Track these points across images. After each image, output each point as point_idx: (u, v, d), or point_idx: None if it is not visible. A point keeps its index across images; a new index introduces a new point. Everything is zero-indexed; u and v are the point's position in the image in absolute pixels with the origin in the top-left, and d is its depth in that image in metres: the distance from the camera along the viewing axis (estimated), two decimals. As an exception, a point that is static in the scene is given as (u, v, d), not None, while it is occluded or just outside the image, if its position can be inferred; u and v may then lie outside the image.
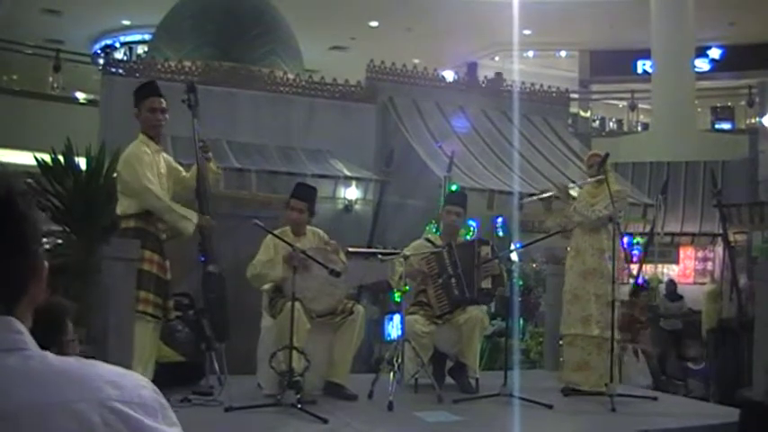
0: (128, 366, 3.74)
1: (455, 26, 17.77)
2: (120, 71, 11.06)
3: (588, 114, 19.36)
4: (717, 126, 17.79)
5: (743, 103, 17.61)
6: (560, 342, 6.06)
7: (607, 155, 5.69)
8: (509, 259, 6.14)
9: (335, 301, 5.08)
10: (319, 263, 4.80)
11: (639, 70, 19.60)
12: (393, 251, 5.85)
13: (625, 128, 18.46)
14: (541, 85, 13.47)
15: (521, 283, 8.45)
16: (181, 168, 4.91)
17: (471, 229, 9.30)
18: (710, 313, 10.38)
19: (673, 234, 13.05)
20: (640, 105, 18.13)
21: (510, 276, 6.05)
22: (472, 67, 20.18)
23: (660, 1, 15.72)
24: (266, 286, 5.23)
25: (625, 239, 7.79)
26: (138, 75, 10.35)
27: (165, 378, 4.39)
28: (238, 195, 8.73)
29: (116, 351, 4.02)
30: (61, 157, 6.10)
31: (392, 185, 10.47)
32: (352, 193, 11.01)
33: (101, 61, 14.52)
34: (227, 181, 9.30)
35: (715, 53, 19.67)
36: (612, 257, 5.43)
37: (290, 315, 4.59)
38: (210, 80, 10.69)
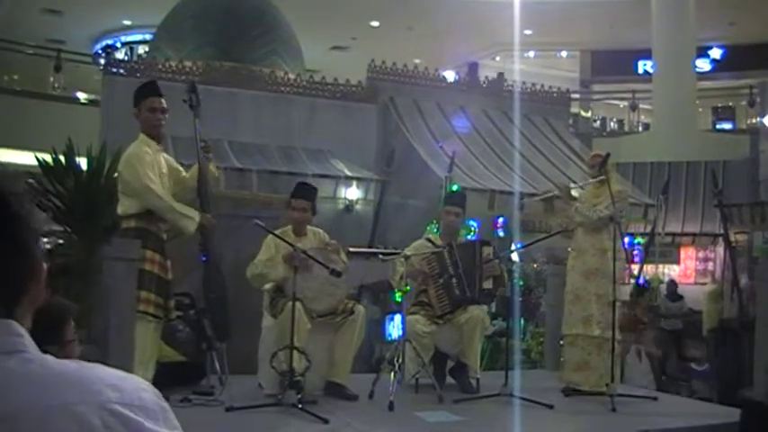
0: (129, 366, 3.76)
1: (456, 26, 17.77)
2: (121, 71, 11.07)
3: (589, 114, 19.36)
4: (718, 126, 17.78)
5: (744, 103, 17.60)
6: (561, 342, 6.06)
7: (608, 155, 5.69)
8: (510, 259, 6.14)
9: (336, 301, 5.08)
10: (320, 263, 4.81)
11: (640, 70, 19.59)
12: (394, 251, 5.85)
13: (626, 128, 18.44)
14: (542, 86, 13.47)
15: (521, 283, 8.44)
16: (181, 168, 4.90)
17: (472, 228, 9.30)
18: (711, 313, 10.38)
19: (674, 234, 13.05)
20: (641, 105, 18.12)
21: (511, 276, 6.05)
22: (473, 68, 20.17)
23: (661, 1, 15.72)
24: (267, 286, 5.23)
25: (626, 240, 7.78)
26: (138, 75, 10.36)
27: (166, 378, 4.40)
28: (239, 195, 8.74)
29: (117, 351, 4.02)
30: (62, 158, 6.10)
31: (393, 185, 10.48)
32: (352, 193, 11.02)
33: (102, 61, 14.51)
34: (228, 181, 9.31)
35: (716, 53, 19.66)
36: (613, 257, 5.43)
37: (291, 315, 4.59)
38: (211, 80, 10.71)
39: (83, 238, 5.88)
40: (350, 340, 5.10)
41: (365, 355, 7.39)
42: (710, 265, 13.39)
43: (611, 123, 19.64)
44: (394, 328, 7.91)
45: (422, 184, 10.42)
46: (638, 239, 11.85)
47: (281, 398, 4.55)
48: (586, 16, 17.70)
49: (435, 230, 6.15)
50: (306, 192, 5.33)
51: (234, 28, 12.49)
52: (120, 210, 4.57)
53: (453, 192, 7.75)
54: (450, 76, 14.48)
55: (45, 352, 0.94)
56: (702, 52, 18.25)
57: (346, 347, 5.09)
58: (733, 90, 18.76)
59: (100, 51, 19.70)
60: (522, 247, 7.03)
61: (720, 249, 12.68)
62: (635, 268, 10.28)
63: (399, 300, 6.12)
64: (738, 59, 18.96)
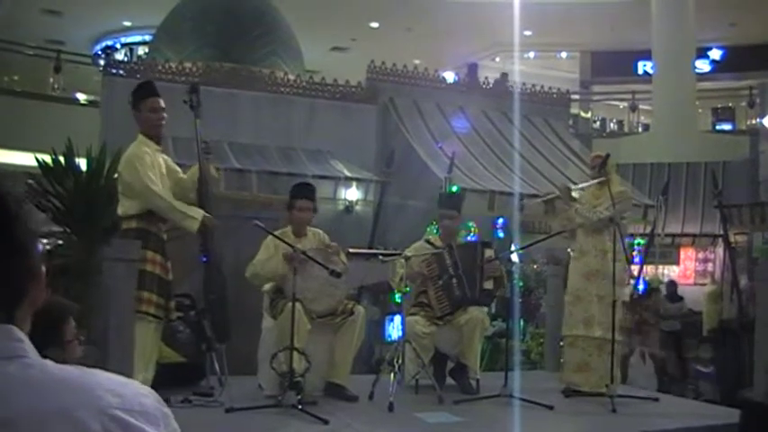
0: (128, 367, 3.75)
1: (456, 27, 17.77)
2: (121, 72, 11.07)
3: (589, 115, 19.36)
4: (717, 127, 17.78)
5: (743, 103, 17.59)
6: (561, 343, 6.06)
7: (607, 156, 5.69)
8: (509, 260, 6.14)
9: (336, 301, 5.08)
10: (320, 263, 4.81)
11: (640, 71, 19.59)
12: (394, 252, 5.85)
13: (626, 129, 18.44)
14: (542, 86, 13.47)
15: (521, 284, 8.44)
16: (179, 169, 4.90)
17: (472, 228, 9.30)
18: (711, 314, 10.39)
19: (673, 235, 13.05)
20: (641, 106, 18.12)
21: (510, 277, 6.05)
22: (473, 68, 20.16)
23: (661, 2, 15.72)
24: (267, 287, 5.23)
25: (626, 241, 7.79)
26: (138, 76, 10.34)
27: (166, 379, 4.41)
28: (239, 196, 8.74)
29: (117, 352, 4.01)
30: (62, 158, 6.09)
31: (393, 186, 10.48)
32: (352, 193, 11.01)
33: (101, 62, 14.53)
34: (227, 182, 9.31)
35: (716, 54, 19.67)
36: (613, 258, 5.43)
37: (291, 316, 4.59)
38: (211, 81, 10.70)
39: (82, 239, 5.88)
40: (350, 341, 5.09)
41: (365, 356, 7.39)
42: (710, 266, 13.38)
43: (611, 124, 19.64)
44: (394, 329, 7.91)
45: (421, 184, 10.41)
46: (638, 240, 11.85)
47: (280, 399, 4.55)
48: (586, 17, 17.71)
49: (435, 232, 6.15)
50: (309, 191, 5.34)
51: (234, 29, 12.49)
52: (120, 210, 4.56)
53: (448, 194, 7.72)
54: (449, 76, 14.48)
55: (45, 354, 0.94)
56: (702, 53, 18.25)
57: (346, 348, 5.09)
58: (733, 91, 18.76)
59: (100, 52, 19.71)
60: (521, 248, 7.01)
61: (720, 250, 12.68)
62: (635, 269, 10.26)
63: (399, 301, 6.12)
64: (738, 60, 18.97)
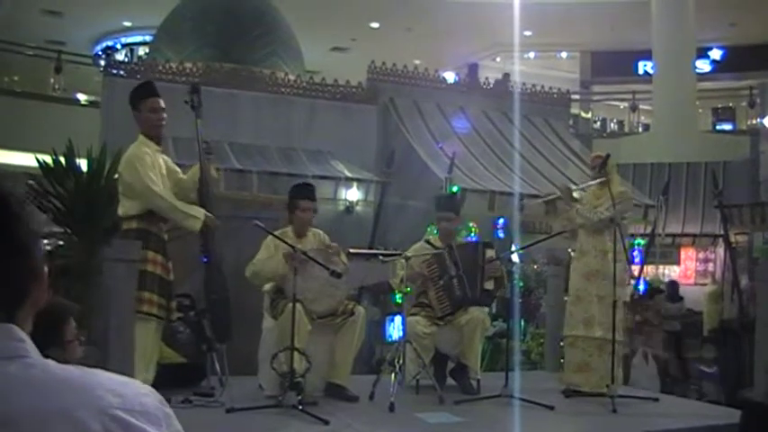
0: (129, 367, 3.75)
1: (456, 27, 17.77)
2: (122, 72, 11.06)
3: (589, 115, 19.36)
4: (718, 127, 17.79)
5: (744, 103, 17.59)
6: (561, 343, 6.05)
7: (608, 156, 5.69)
8: (510, 260, 6.14)
9: (336, 302, 5.08)
10: (320, 264, 4.81)
11: (640, 71, 19.59)
12: (394, 252, 5.85)
13: (626, 129, 18.44)
14: (542, 86, 13.46)
15: (522, 284, 8.44)
16: (178, 170, 4.90)
17: (473, 228, 9.29)
18: (712, 314, 10.38)
19: (674, 235, 13.04)
20: (641, 106, 18.12)
21: (511, 278, 6.05)
22: (473, 68, 20.17)
23: (661, 2, 15.72)
24: (267, 287, 5.24)
25: (627, 241, 7.78)
26: (139, 76, 10.34)
27: (167, 379, 4.41)
28: (239, 196, 8.74)
29: (117, 352, 4.01)
30: (62, 159, 6.10)
31: (393, 186, 10.48)
32: (353, 194, 11.01)
33: (102, 63, 14.52)
34: (228, 182, 9.31)
35: (716, 54, 19.67)
36: (614, 259, 5.43)
37: (292, 316, 4.59)
38: (211, 81, 10.69)
39: (83, 239, 5.88)
40: (350, 341, 5.09)
41: (365, 357, 7.39)
42: (711, 266, 13.38)
43: (612, 124, 19.65)
44: (394, 330, 7.91)
45: (422, 185, 10.41)
46: (639, 240, 11.85)
47: (281, 399, 4.55)
48: (586, 17, 17.71)
49: (435, 232, 6.14)
50: (311, 192, 5.35)
51: (234, 29, 12.49)
52: (120, 211, 4.56)
53: (445, 196, 7.70)
54: (450, 77, 14.48)
55: (47, 354, 0.94)
56: (702, 53, 18.25)
57: (347, 349, 5.09)
58: (733, 91, 18.76)
59: (100, 53, 19.72)
60: (522, 248, 7.00)
61: (721, 250, 12.68)
62: (635, 269, 10.26)
63: (400, 301, 6.12)
64: (738, 60, 18.97)
